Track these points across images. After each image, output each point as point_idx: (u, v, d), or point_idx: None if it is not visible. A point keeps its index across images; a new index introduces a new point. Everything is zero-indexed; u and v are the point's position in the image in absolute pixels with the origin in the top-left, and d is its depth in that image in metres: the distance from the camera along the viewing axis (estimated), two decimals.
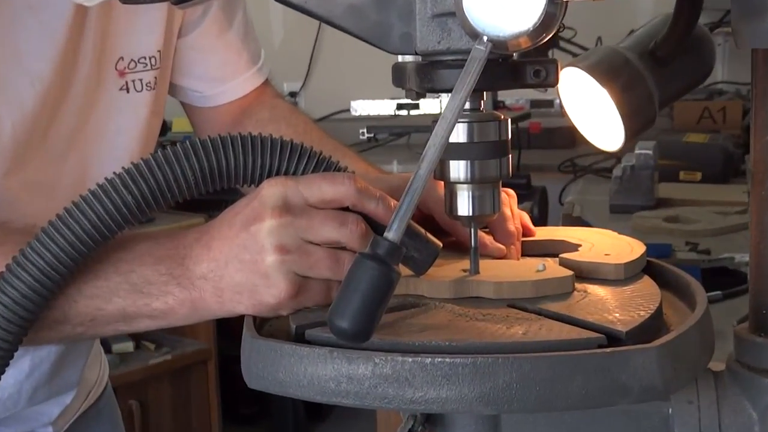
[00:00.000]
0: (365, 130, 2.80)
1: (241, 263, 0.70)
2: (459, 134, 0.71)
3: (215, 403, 2.56)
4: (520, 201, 1.04)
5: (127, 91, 0.97)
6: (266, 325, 0.74)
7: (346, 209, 0.72)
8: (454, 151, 0.71)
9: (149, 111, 0.99)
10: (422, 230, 0.73)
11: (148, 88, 0.98)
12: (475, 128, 0.71)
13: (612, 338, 0.63)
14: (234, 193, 0.78)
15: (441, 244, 0.74)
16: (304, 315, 0.70)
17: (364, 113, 3.22)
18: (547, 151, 2.77)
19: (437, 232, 0.79)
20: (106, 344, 2.32)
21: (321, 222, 0.70)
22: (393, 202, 0.72)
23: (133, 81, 0.97)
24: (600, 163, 2.38)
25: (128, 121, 0.98)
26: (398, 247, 0.62)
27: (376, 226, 0.72)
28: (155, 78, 0.99)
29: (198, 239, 0.73)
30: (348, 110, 3.23)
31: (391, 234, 0.62)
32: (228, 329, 2.60)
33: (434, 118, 0.64)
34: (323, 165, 0.73)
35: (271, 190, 0.70)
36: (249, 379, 0.66)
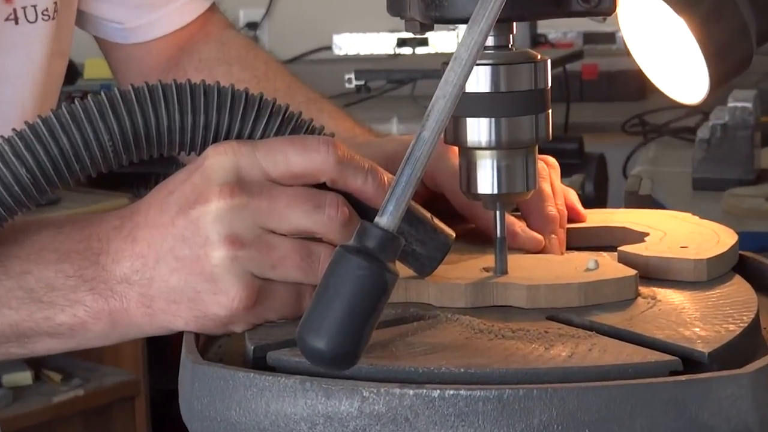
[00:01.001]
0: (353, 76, 2.80)
1: (177, 261, 0.71)
2: (479, 81, 0.72)
3: None
4: (568, 173, 1.03)
5: (16, 22, 0.97)
6: (214, 346, 0.74)
7: (323, 186, 0.72)
8: (473, 104, 0.72)
9: (48, 50, 0.99)
10: (428, 214, 0.74)
11: (45, 18, 0.99)
12: (501, 73, 0.72)
13: (690, 362, 0.64)
14: (169, 164, 0.79)
15: (454, 234, 0.75)
16: (265, 332, 0.71)
17: (352, 52, 3.21)
18: (607, 105, 2.77)
19: (449, 217, 0.79)
20: None
21: (287, 204, 0.71)
22: (388, 177, 0.73)
23: (24, 8, 0.97)
24: (680, 121, 2.39)
25: (18, 64, 0.98)
26: (395, 237, 0.62)
27: (364, 210, 0.72)
28: (55, 4, 0.99)
29: (118, 228, 0.74)
30: (329, 48, 3.22)
31: (385, 219, 0.63)
32: (162, 353, 2.61)
33: (446, 60, 0.65)
34: (291, 124, 0.73)
35: (219, 159, 0.71)
36: (190, 419, 0.67)
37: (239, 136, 0.72)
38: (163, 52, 1.11)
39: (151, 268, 0.72)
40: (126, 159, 0.73)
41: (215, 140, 0.72)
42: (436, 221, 0.74)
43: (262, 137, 0.73)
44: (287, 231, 0.71)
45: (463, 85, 0.63)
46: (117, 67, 1.14)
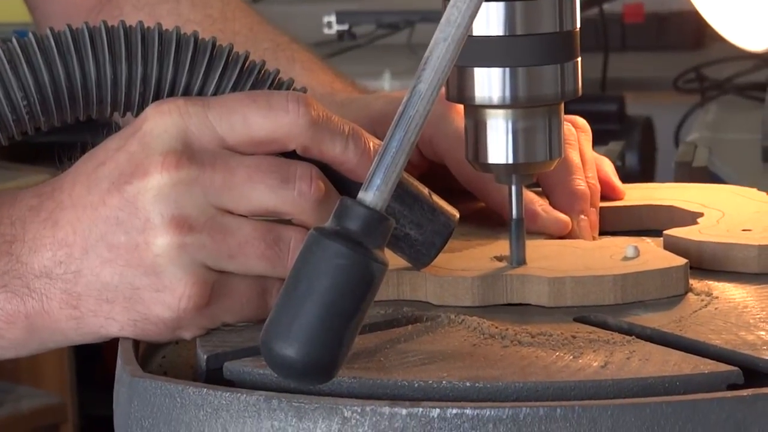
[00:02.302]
0: (333, 19, 2.80)
1: (110, 250, 0.71)
2: (490, 21, 0.72)
3: None
4: (605, 140, 1.04)
5: None
6: (157, 357, 0.75)
7: (293, 155, 0.73)
8: (482, 50, 0.72)
9: None
10: (425, 190, 0.74)
11: None
12: (517, 10, 0.72)
13: (753, 373, 0.64)
14: (99, 130, 0.79)
15: (458, 215, 0.75)
16: (221, 338, 0.72)
17: None
18: (655, 55, 2.77)
19: (452, 194, 0.80)
20: None
21: (247, 177, 0.71)
22: (374, 142, 0.73)
23: None
24: (746, 76, 2.39)
25: None
26: (383, 218, 0.63)
27: (344, 185, 0.73)
28: None
29: (36, 209, 0.74)
30: None
31: (371, 195, 0.63)
32: (93, 370, 2.61)
33: None
34: (252, 77, 0.74)
35: (161, 121, 0.71)
36: None
37: (186, 93, 0.73)
38: None
39: (78, 260, 0.72)
40: (45, 122, 0.73)
41: (156, 97, 0.73)
42: (435, 198, 0.74)
43: (215, 94, 0.73)
44: (247, 211, 0.71)
45: (469, 26, 0.63)
46: (35, 6, 1.14)
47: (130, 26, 0.72)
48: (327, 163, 0.73)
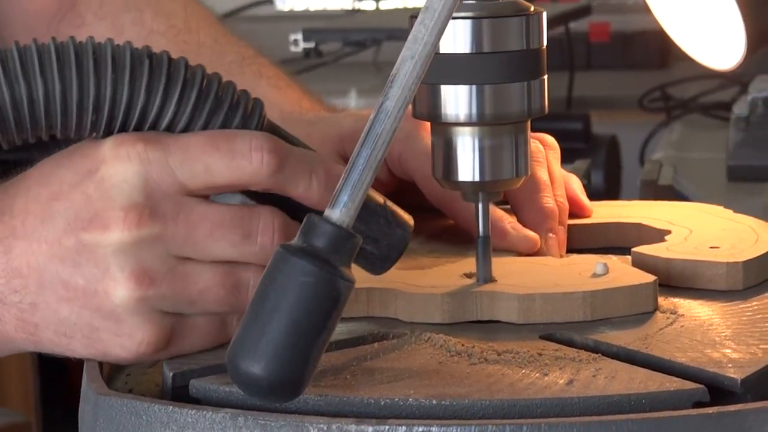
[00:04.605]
0: (300, 37, 2.79)
1: (68, 290, 0.70)
2: (457, 38, 0.72)
3: None
4: (571, 158, 1.04)
5: None
6: (122, 374, 0.75)
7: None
8: (449, 68, 0.72)
9: None
10: (381, 199, 0.73)
11: None
12: (484, 28, 0.72)
13: (719, 391, 0.65)
14: (48, 148, 0.75)
15: (413, 223, 0.74)
16: (187, 356, 0.71)
17: (299, 7, 3.21)
18: (621, 74, 2.78)
19: (421, 211, 0.80)
20: None
21: (209, 234, 0.70)
22: (339, 171, 0.72)
23: None
24: (711, 95, 2.40)
25: None
26: (350, 235, 0.63)
27: (305, 208, 0.72)
28: None
29: None
30: (270, 1, 3.22)
31: (338, 213, 0.63)
32: (60, 387, 2.59)
33: (416, 12, 0.65)
34: (211, 98, 0.71)
35: (121, 169, 0.69)
36: None
37: (143, 116, 0.70)
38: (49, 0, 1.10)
39: (34, 293, 0.71)
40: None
41: (110, 120, 0.70)
42: (390, 205, 0.73)
43: (174, 118, 0.70)
44: (209, 261, 0.71)
45: (435, 43, 0.63)
46: None
47: (90, 42, 0.70)
48: (289, 197, 0.72)
